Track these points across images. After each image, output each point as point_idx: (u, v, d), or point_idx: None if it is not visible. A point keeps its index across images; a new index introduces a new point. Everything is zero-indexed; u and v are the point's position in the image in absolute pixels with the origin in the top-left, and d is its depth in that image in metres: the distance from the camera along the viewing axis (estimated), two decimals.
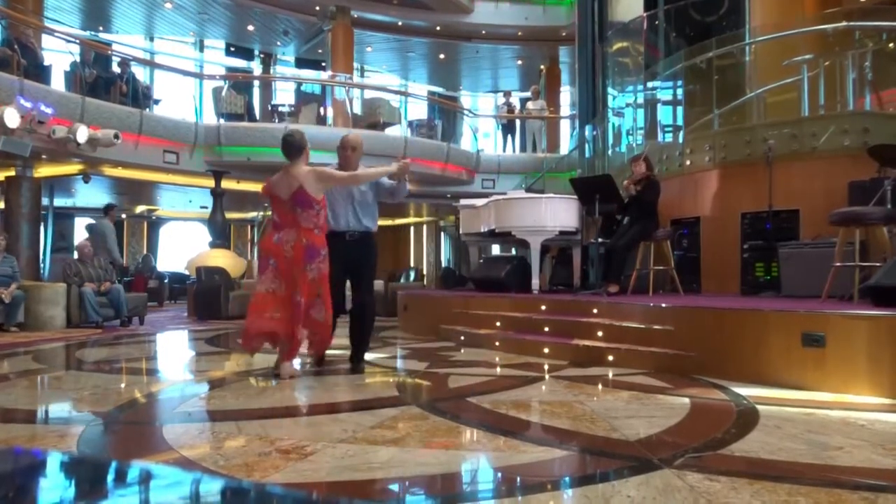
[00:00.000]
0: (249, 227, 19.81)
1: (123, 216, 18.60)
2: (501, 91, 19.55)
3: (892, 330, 3.49)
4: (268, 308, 4.17)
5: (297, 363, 4.51)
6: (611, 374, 4.43)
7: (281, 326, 4.16)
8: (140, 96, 11.14)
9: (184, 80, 14.33)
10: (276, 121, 12.75)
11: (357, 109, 14.34)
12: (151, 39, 17.21)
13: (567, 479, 2.31)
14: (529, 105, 15.58)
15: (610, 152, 9.91)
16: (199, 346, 6.67)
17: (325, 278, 4.29)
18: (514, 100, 16.53)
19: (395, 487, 2.19)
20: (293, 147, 4.26)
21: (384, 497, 2.09)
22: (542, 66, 18.27)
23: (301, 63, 18.37)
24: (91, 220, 10.79)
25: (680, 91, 8.65)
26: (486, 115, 17.94)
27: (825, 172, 6.08)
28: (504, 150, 15.23)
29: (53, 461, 0.92)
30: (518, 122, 15.57)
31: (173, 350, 6.86)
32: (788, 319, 3.90)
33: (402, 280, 17.69)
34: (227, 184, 12.35)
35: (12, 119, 7.97)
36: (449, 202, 13.48)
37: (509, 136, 15.36)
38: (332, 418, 3.13)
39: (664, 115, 9.02)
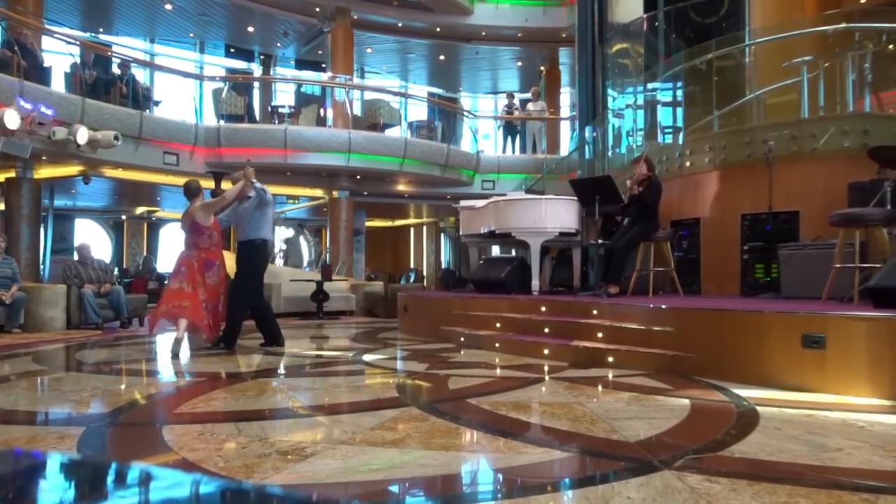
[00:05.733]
0: None
1: (124, 217, 18.62)
2: (502, 92, 19.55)
3: (892, 331, 3.49)
4: (178, 299, 5.59)
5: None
6: (611, 376, 4.43)
7: (187, 313, 5.53)
8: (140, 98, 11.16)
9: (184, 82, 14.33)
10: (277, 122, 12.75)
11: (357, 111, 14.34)
12: (152, 41, 17.21)
13: (567, 480, 2.31)
14: (529, 106, 15.59)
15: (610, 153, 9.91)
16: (199, 346, 6.65)
17: (224, 281, 5.86)
18: (516, 101, 16.53)
19: (395, 489, 2.19)
20: (191, 192, 5.77)
21: (384, 498, 2.09)
22: (542, 68, 18.26)
23: (301, 64, 18.37)
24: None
25: (680, 92, 8.65)
26: (486, 116, 17.94)
27: (825, 174, 6.08)
28: (505, 152, 15.22)
29: (53, 463, 0.92)
30: (520, 124, 15.57)
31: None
32: (788, 321, 3.90)
33: (402, 281, 17.71)
34: (227, 185, 12.33)
35: (12, 120, 7.97)
36: (449, 203, 13.48)
37: (510, 138, 15.36)
38: (331, 419, 3.13)
39: (664, 116, 9.01)
